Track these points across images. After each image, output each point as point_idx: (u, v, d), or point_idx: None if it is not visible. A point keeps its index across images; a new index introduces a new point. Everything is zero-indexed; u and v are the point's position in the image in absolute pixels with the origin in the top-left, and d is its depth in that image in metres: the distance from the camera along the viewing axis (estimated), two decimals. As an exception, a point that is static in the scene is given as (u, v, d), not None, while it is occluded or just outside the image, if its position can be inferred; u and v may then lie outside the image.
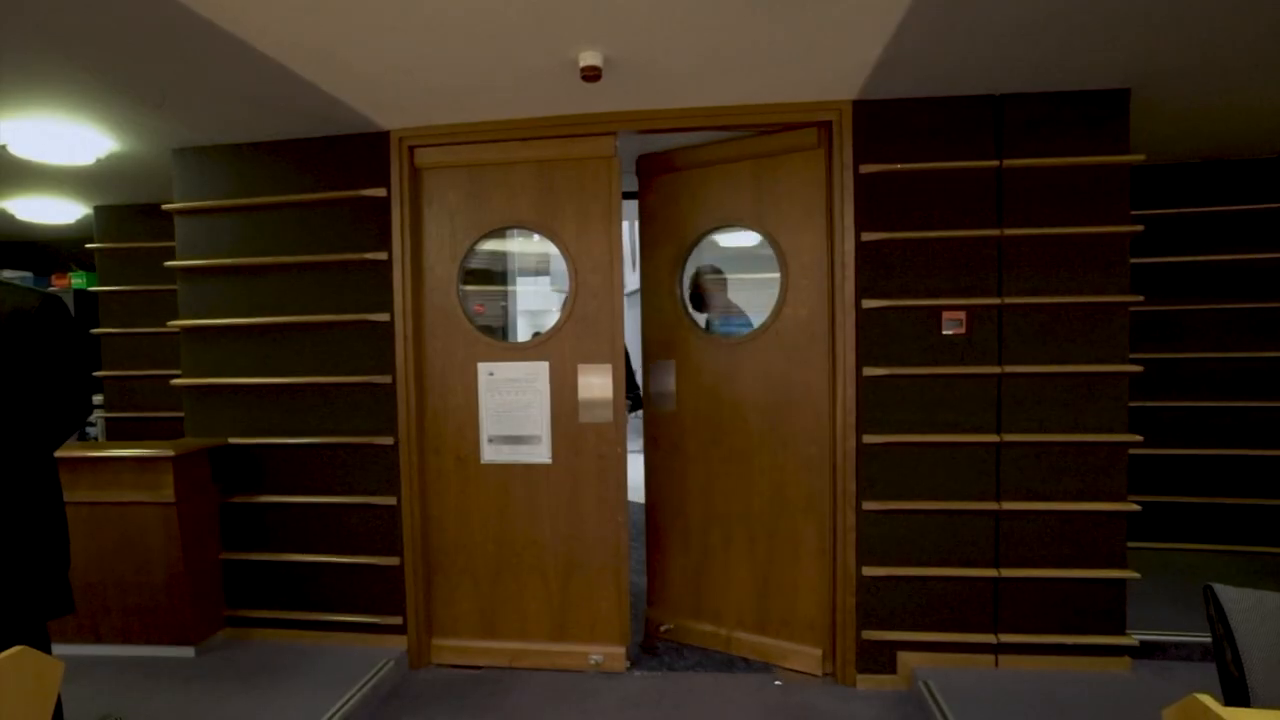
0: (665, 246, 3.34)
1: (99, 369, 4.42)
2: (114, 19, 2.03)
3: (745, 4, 1.73)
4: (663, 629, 3.39)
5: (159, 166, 3.43)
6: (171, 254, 3.34)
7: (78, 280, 5.27)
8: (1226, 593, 1.31)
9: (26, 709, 1.44)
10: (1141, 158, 2.74)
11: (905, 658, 2.90)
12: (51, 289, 5.23)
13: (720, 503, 3.22)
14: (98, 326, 4.48)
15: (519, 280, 4.88)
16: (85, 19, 2.02)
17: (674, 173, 3.29)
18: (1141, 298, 2.78)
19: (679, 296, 3.33)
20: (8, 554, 1.82)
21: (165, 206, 3.27)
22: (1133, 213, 2.79)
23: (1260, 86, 2.75)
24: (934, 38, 2.27)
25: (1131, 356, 2.78)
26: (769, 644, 3.14)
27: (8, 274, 5.31)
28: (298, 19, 2.08)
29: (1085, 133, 2.74)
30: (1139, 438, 2.77)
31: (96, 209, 4.46)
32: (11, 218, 4.51)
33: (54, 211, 4.40)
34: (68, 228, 4.75)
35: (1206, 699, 1.17)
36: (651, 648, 3.32)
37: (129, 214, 4.41)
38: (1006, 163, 2.78)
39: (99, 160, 3.22)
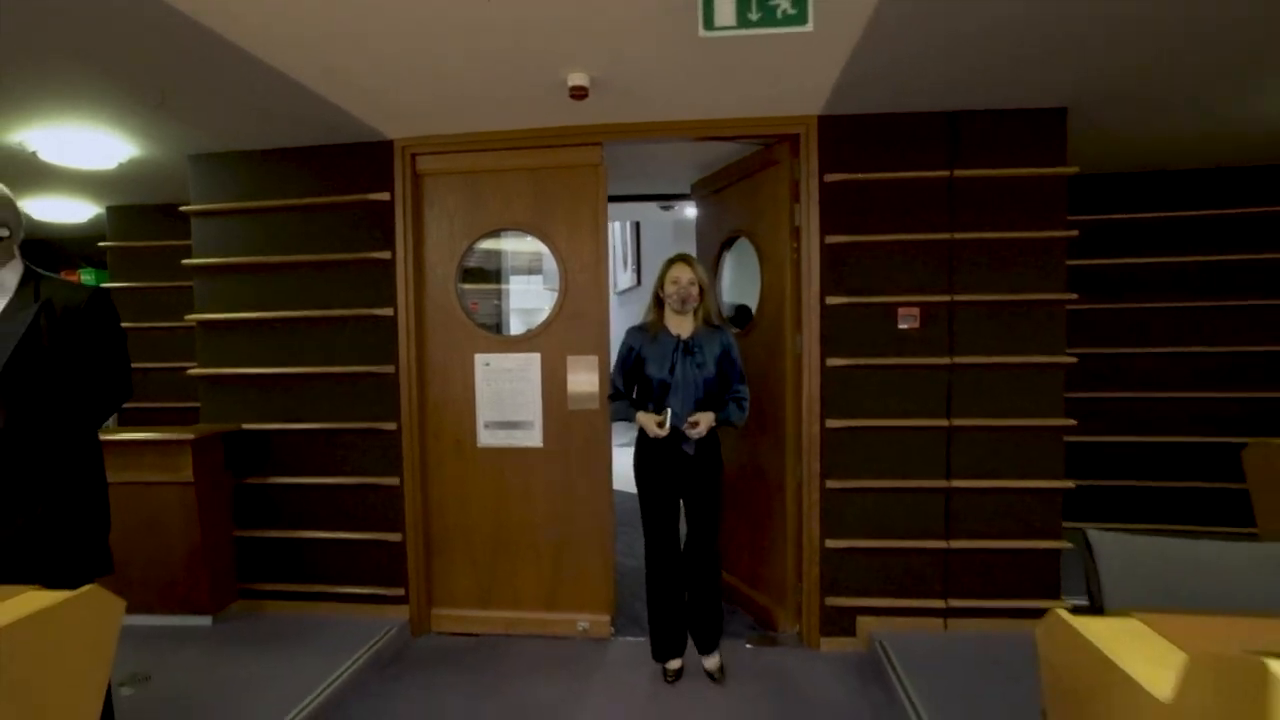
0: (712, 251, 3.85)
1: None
2: (148, 43, 2.28)
3: (708, 40, 2.00)
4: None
5: (172, 171, 3.67)
6: (181, 252, 3.58)
7: (86, 277, 5.47)
8: (1096, 535, 1.60)
9: (97, 638, 1.71)
10: (1075, 170, 3.04)
11: (864, 622, 3.19)
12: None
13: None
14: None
15: (512, 279, 5.13)
16: (119, 40, 2.27)
17: (716, 194, 3.79)
18: (1076, 296, 3.08)
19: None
20: (57, 518, 2.07)
21: (182, 208, 3.51)
22: (1075, 218, 3.09)
23: (1182, 112, 3.06)
24: (886, 63, 2.55)
25: (1068, 350, 3.07)
26: (757, 600, 3.42)
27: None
28: (315, 43, 2.34)
29: (1028, 146, 3.04)
30: (1073, 422, 3.07)
31: (109, 209, 4.68)
32: (26, 217, 4.72)
33: (68, 211, 4.62)
34: (79, 226, 4.96)
35: (1062, 611, 1.46)
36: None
37: (140, 214, 4.63)
38: (957, 173, 3.07)
39: (120, 165, 3.46)
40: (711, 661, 2.94)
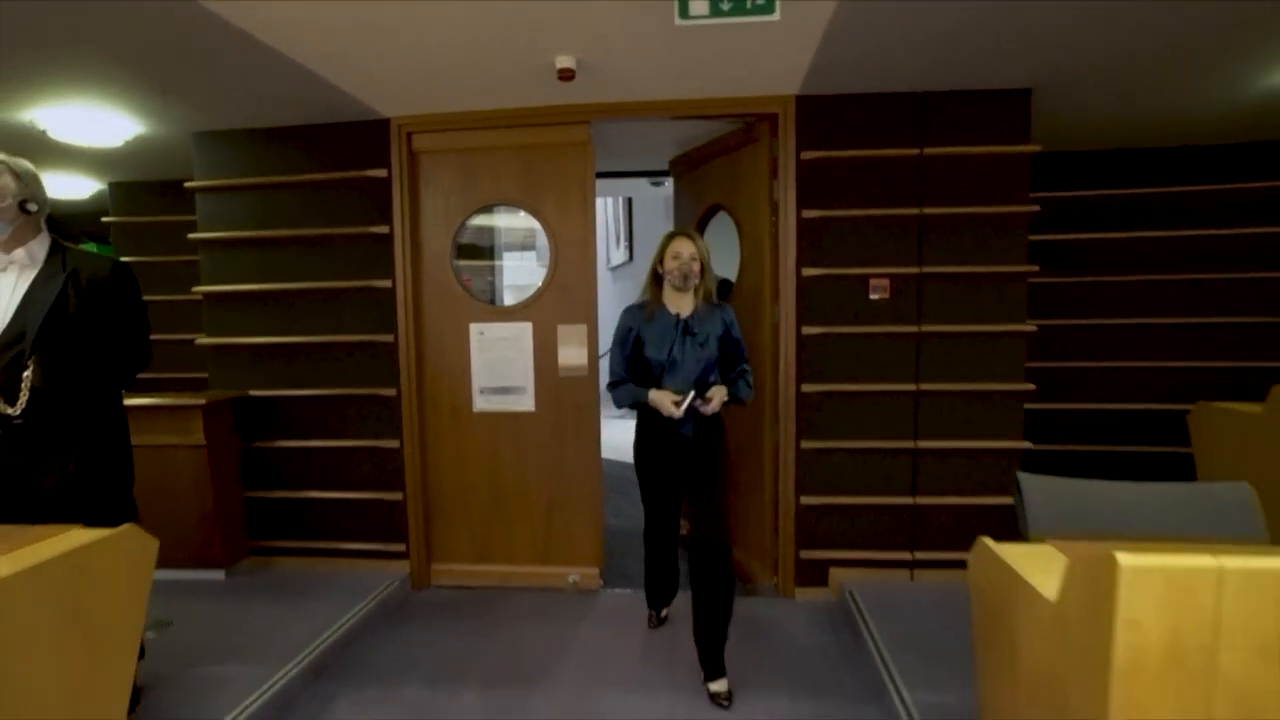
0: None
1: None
2: (157, 28, 2.42)
3: (683, 29, 2.16)
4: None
5: (175, 148, 3.80)
6: (183, 227, 3.73)
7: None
8: (1024, 477, 1.81)
9: (137, 571, 1.91)
10: (1038, 148, 3.21)
11: (836, 573, 3.42)
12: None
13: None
14: None
15: (505, 255, 5.26)
16: (127, 26, 2.41)
17: (698, 168, 3.91)
18: (1037, 268, 3.27)
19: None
20: (90, 469, 2.26)
21: (187, 185, 3.65)
22: (1039, 195, 3.27)
23: (1142, 94, 3.23)
24: (855, 49, 2.71)
25: (1029, 320, 3.27)
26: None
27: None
28: (317, 28, 2.48)
29: (993, 126, 3.21)
30: (1032, 387, 3.28)
31: (111, 185, 4.81)
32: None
33: (71, 187, 4.74)
34: (81, 202, 5.08)
35: (987, 540, 1.68)
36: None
37: (143, 190, 4.76)
38: (926, 151, 3.24)
39: (126, 142, 3.59)
40: (719, 685, 2.59)
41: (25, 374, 2.12)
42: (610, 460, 3.81)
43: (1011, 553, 1.58)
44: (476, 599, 3.55)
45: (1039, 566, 1.46)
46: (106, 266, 2.32)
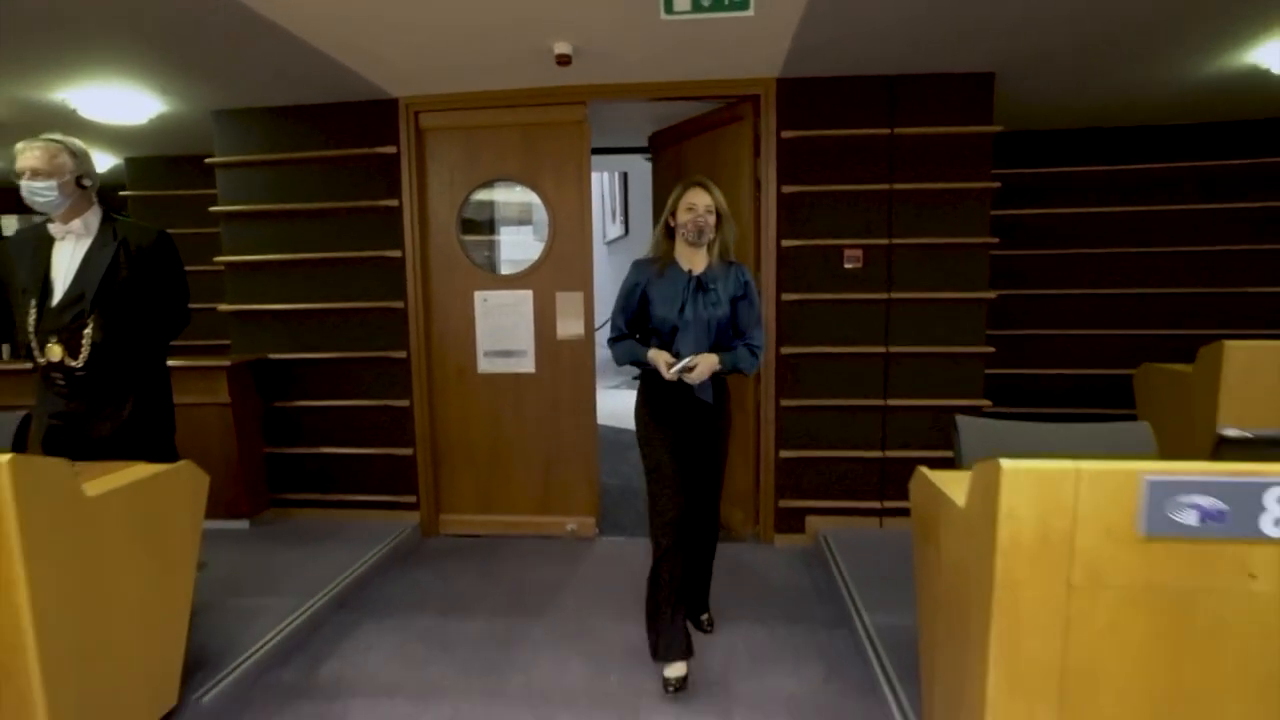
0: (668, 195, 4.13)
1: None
2: (187, 15, 2.65)
3: (669, 20, 2.40)
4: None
5: (192, 125, 4.03)
6: (197, 200, 3.97)
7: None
8: (960, 417, 2.10)
9: (193, 499, 2.21)
10: (1000, 128, 3.47)
11: (812, 521, 3.74)
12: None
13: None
14: None
15: (503, 230, 5.49)
16: (155, 11, 2.64)
17: (676, 146, 4.09)
18: (997, 240, 3.55)
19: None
20: (142, 414, 2.54)
21: (208, 160, 3.89)
22: (1001, 171, 3.53)
23: (1097, 78, 3.48)
24: (829, 35, 2.95)
25: (990, 289, 3.55)
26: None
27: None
28: (333, 13, 2.71)
29: (958, 108, 3.46)
30: (991, 349, 3.57)
31: (127, 160, 5.03)
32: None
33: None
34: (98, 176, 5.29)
35: (923, 468, 1.97)
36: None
37: (158, 164, 4.98)
38: (896, 131, 3.49)
39: (149, 120, 3.82)
40: (704, 615, 2.88)
41: (86, 331, 2.39)
42: (604, 425, 4.09)
43: (940, 477, 1.88)
44: (481, 545, 3.86)
45: (959, 486, 1.76)
46: (151, 235, 2.58)
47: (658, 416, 2.53)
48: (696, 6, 2.22)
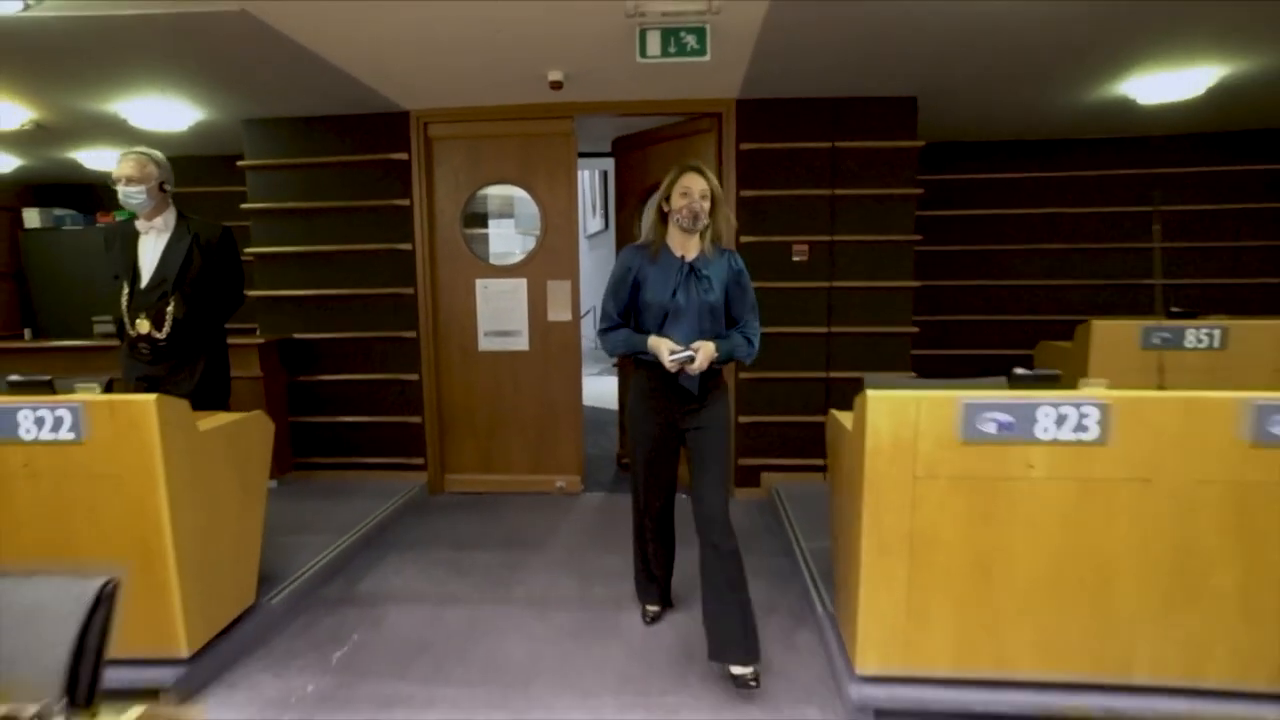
0: (631, 198, 4.70)
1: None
2: (236, 44, 3.19)
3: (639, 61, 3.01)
4: (623, 460, 4.84)
5: (223, 130, 4.55)
6: (222, 197, 4.48)
7: (121, 217, 6.28)
8: (869, 375, 2.74)
9: (264, 441, 2.77)
10: (922, 143, 4.12)
11: (766, 476, 4.38)
12: (99, 224, 6.25)
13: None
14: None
15: (490, 223, 6.02)
16: (214, 42, 3.18)
17: (640, 150, 4.62)
18: (921, 237, 4.21)
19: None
20: (207, 379, 3.09)
21: (240, 163, 4.42)
22: (926, 178, 4.17)
23: (1000, 100, 4.14)
24: (775, 70, 3.57)
25: (915, 279, 4.22)
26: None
27: (58, 211, 6.33)
28: (358, 41, 3.25)
29: (888, 125, 4.10)
30: (916, 329, 4.24)
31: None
32: (76, 164, 5.54)
33: (114, 160, 5.43)
34: (122, 173, 5.76)
35: (834, 411, 2.61)
36: (624, 467, 4.73)
37: (181, 164, 5.45)
38: (838, 144, 4.13)
39: (189, 127, 4.34)
40: (748, 670, 2.32)
41: (168, 308, 2.94)
42: (586, 406, 4.69)
43: (844, 416, 2.51)
44: (482, 500, 4.46)
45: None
46: (217, 231, 3.13)
47: (650, 403, 2.48)
48: (664, 54, 2.82)
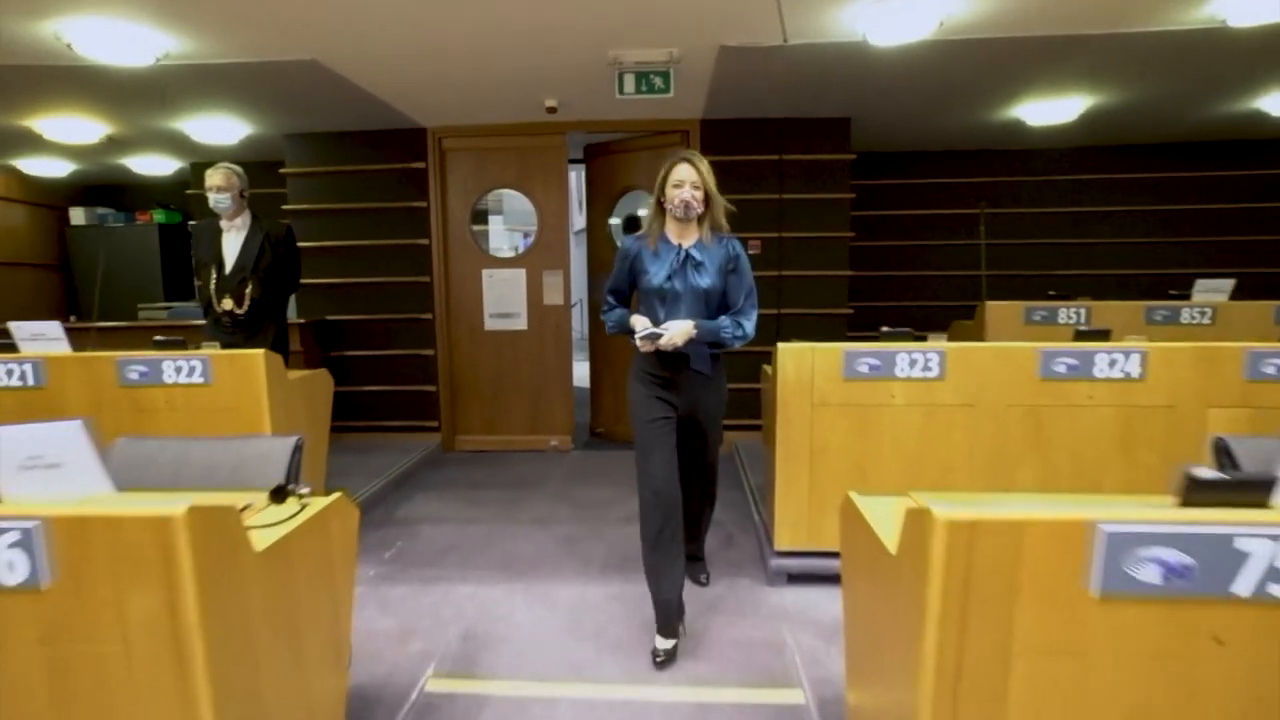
0: (601, 200, 5.49)
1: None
2: (292, 78, 3.97)
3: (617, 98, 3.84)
4: (598, 430, 5.67)
5: (266, 142, 5.31)
6: (266, 199, 5.19)
7: (158, 216, 7.02)
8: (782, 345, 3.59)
9: (325, 394, 3.58)
10: (854, 156, 4.98)
11: (729, 435, 5.22)
12: (138, 222, 6.98)
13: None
14: (176, 250, 6.39)
15: (490, 220, 6.78)
16: (271, 76, 3.96)
17: (607, 156, 5.41)
18: (854, 234, 5.07)
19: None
20: (275, 347, 3.87)
21: (282, 170, 5.20)
22: (859, 183, 5.03)
23: (920, 121, 5.01)
24: (730, 98, 4.40)
25: (849, 269, 5.07)
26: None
27: (101, 210, 7.05)
28: (384, 69, 4.06)
29: (826, 141, 4.95)
30: (851, 310, 5.10)
31: (192, 164, 6.25)
32: (126, 169, 6.29)
33: (160, 166, 6.19)
34: (162, 177, 6.52)
35: (766, 366, 3.45)
36: (597, 435, 5.58)
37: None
38: (785, 157, 4.97)
39: (239, 140, 5.11)
40: (702, 575, 3.07)
41: (246, 290, 3.72)
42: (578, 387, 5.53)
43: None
44: (488, 456, 5.27)
45: (778, 370, 3.24)
46: (283, 229, 3.91)
47: (648, 385, 2.55)
48: (637, 92, 3.65)
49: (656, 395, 2.56)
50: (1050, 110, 4.65)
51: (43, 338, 3.09)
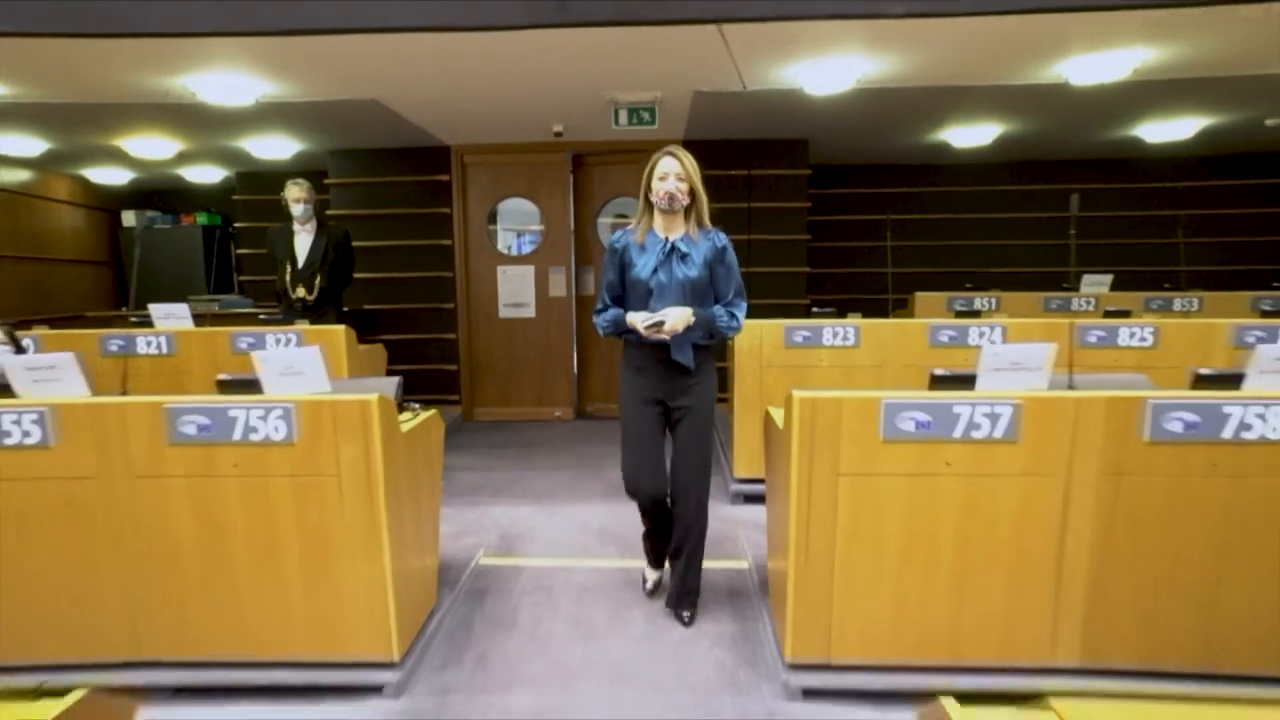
0: (588, 202, 6.44)
1: (244, 273, 7.23)
2: (348, 110, 4.89)
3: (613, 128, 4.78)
4: (589, 408, 6.63)
5: (311, 156, 6.21)
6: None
7: (202, 219, 7.88)
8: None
9: (381, 361, 4.52)
10: (810, 171, 5.95)
11: (705, 406, 6.19)
12: (183, 224, 7.85)
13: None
14: (219, 248, 7.32)
15: (499, 220, 7.61)
16: (335, 110, 4.88)
17: (590, 167, 6.36)
18: (810, 236, 6.04)
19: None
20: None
21: (326, 180, 6.11)
22: (823, 192, 6.02)
23: (868, 141, 5.99)
24: (705, 124, 5.35)
25: (807, 266, 6.05)
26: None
27: (150, 212, 7.92)
28: (418, 100, 4.98)
29: (787, 157, 5.92)
30: (809, 300, 6.07)
31: (237, 174, 7.15)
32: (179, 178, 7.18)
33: (208, 175, 7.08)
34: (209, 185, 7.41)
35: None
36: (585, 414, 6.54)
37: (257, 177, 7.11)
38: (753, 171, 5.94)
39: (293, 155, 6.02)
40: (686, 612, 2.71)
41: (315, 281, 4.64)
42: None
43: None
44: (503, 424, 6.21)
45: (738, 343, 4.19)
46: (341, 232, 4.83)
47: (637, 381, 2.58)
48: (629, 124, 4.60)
49: (644, 389, 2.59)
50: (970, 135, 5.65)
51: (173, 316, 4.00)
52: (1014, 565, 2.16)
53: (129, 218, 7.91)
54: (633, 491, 2.68)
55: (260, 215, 7.17)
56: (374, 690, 2.31)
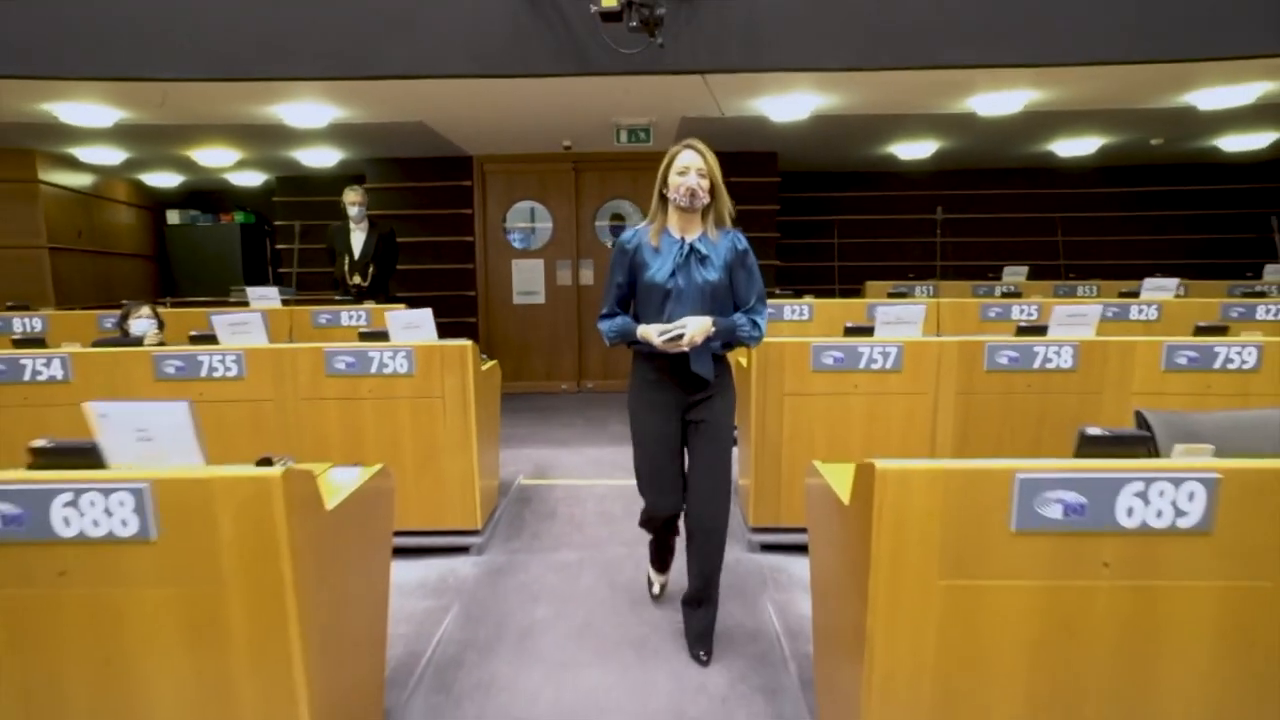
0: (589, 204, 7.45)
1: (281, 266, 8.15)
2: (396, 131, 5.85)
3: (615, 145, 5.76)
4: (590, 384, 7.64)
5: (352, 162, 7.15)
6: (324, 205, 7.13)
7: (239, 217, 8.78)
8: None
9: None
10: (779, 179, 7.00)
11: (691, 379, 7.23)
12: (222, 222, 8.74)
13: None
14: (252, 245, 8.25)
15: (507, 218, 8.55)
16: (385, 133, 5.85)
17: (590, 173, 7.37)
18: (779, 234, 7.10)
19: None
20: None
21: (365, 186, 7.05)
22: (785, 195, 7.07)
23: (831, 152, 7.05)
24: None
25: (776, 260, 7.10)
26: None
27: (192, 211, 8.81)
28: (456, 125, 5.96)
29: (759, 167, 6.96)
30: (778, 289, 7.12)
31: (278, 178, 8.06)
32: (225, 181, 8.09)
33: (251, 179, 7.99)
34: (250, 187, 8.32)
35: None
36: (585, 389, 7.54)
37: (295, 180, 8.03)
38: (730, 179, 6.94)
39: (334, 164, 6.96)
40: (702, 651, 2.46)
41: (369, 269, 5.60)
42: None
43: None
44: (516, 396, 7.19)
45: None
46: (388, 228, 5.80)
47: (652, 398, 2.38)
48: (628, 142, 5.62)
49: (660, 406, 2.37)
50: (914, 149, 6.73)
51: (265, 298, 4.96)
52: (901, 453, 3.21)
53: (173, 216, 8.78)
54: (651, 519, 2.55)
55: (298, 215, 8.10)
56: (464, 550, 3.32)
